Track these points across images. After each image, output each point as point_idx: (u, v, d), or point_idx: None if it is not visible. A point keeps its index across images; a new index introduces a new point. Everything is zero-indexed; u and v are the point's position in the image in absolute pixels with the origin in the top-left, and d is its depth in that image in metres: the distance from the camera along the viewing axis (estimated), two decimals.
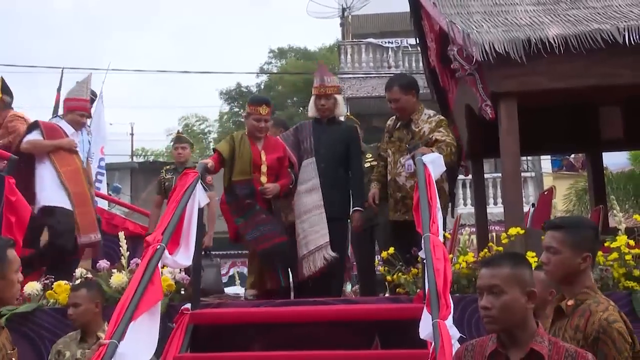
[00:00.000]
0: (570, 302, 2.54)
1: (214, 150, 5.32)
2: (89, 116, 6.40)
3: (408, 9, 6.72)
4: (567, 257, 2.56)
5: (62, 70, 12.09)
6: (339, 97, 5.51)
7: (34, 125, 5.77)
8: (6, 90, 6.61)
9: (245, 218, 4.99)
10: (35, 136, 5.65)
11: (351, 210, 5.37)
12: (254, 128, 5.14)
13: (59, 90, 11.70)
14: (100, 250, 5.88)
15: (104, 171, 11.23)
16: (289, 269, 5.14)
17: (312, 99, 5.50)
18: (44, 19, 54.67)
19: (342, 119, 5.93)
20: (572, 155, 17.46)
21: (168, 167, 6.90)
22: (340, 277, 5.52)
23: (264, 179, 5.07)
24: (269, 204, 5.11)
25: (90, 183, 6.08)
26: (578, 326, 2.47)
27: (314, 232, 5.11)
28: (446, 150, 4.86)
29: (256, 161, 5.08)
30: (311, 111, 5.54)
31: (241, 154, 5.09)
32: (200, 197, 4.27)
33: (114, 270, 4.71)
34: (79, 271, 4.89)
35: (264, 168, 5.09)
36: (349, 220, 5.46)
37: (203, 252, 5.36)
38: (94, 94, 6.59)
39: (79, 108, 6.06)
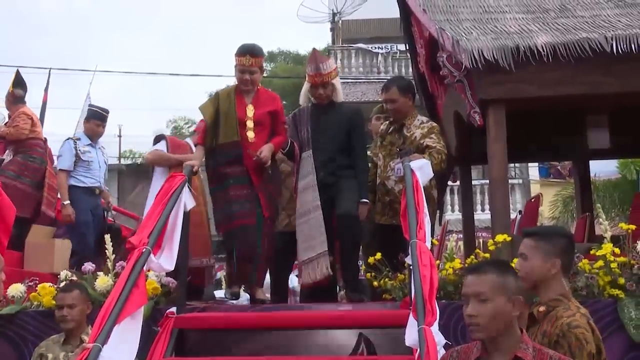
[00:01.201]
0: (541, 309, 2.59)
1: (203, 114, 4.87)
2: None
3: (398, 15, 6.75)
4: (537, 263, 2.63)
5: (50, 71, 12.04)
6: (337, 82, 5.06)
7: (160, 137, 5.77)
8: (19, 84, 6.68)
9: (218, 189, 4.68)
10: (160, 147, 5.59)
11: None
12: (238, 80, 4.78)
13: (46, 90, 11.66)
14: (210, 277, 5.66)
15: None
16: (253, 258, 4.64)
17: (306, 86, 5.09)
18: (31, 18, 54.43)
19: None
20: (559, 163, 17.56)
21: None
22: (353, 278, 4.96)
23: (250, 135, 4.66)
24: (261, 171, 4.67)
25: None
26: (545, 331, 2.51)
27: (312, 238, 4.79)
28: (437, 157, 4.87)
29: (241, 117, 4.67)
30: (302, 99, 5.16)
31: (226, 113, 4.69)
32: (186, 201, 4.25)
33: (99, 273, 4.68)
34: (63, 273, 4.86)
35: (249, 123, 4.67)
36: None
37: None
38: (105, 110, 6.48)
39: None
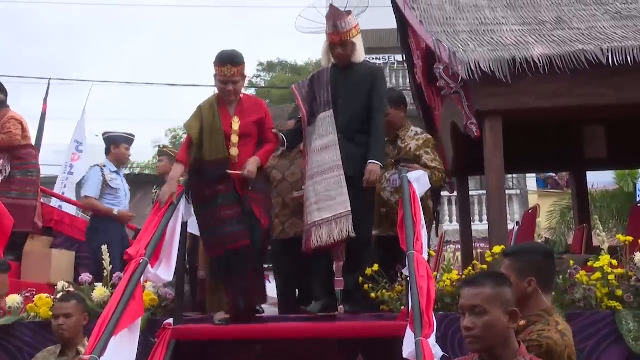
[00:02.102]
0: (522, 322, 2.59)
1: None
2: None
3: (396, 27, 6.78)
4: (513, 282, 2.58)
5: (49, 81, 12.06)
6: (357, 40, 4.64)
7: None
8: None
9: (205, 207, 4.31)
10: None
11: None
12: (221, 92, 4.42)
13: (45, 100, 11.69)
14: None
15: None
16: (252, 286, 4.29)
17: (325, 45, 4.74)
18: (26, 28, 54.48)
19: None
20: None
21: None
22: (359, 261, 4.55)
23: (234, 152, 4.29)
24: (246, 184, 4.31)
25: None
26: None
27: (329, 198, 4.33)
28: (437, 176, 4.91)
29: (226, 131, 4.32)
30: (324, 60, 4.79)
31: (210, 127, 4.33)
32: (184, 212, 4.25)
33: (97, 284, 4.67)
34: (60, 284, 4.85)
35: (234, 138, 4.30)
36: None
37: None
38: (132, 135, 6.52)
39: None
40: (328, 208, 4.30)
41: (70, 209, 8.90)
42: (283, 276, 5.33)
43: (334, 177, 4.35)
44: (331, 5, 4.64)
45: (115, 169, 6.29)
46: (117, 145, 6.39)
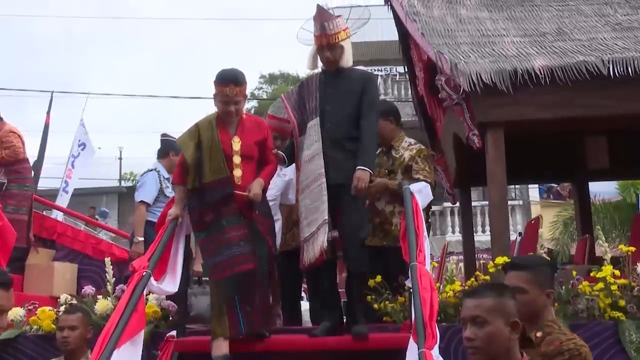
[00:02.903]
0: (539, 334, 2.61)
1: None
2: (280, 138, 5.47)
3: (397, 38, 6.81)
4: (534, 296, 2.63)
5: (52, 94, 12.12)
6: (346, 44, 4.43)
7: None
8: None
9: (208, 233, 4.10)
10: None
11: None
12: (221, 112, 4.22)
13: (48, 113, 11.74)
14: None
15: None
16: (260, 308, 4.07)
17: (311, 49, 4.54)
18: (26, 41, 54.75)
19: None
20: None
21: None
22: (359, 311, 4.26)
23: (237, 173, 4.11)
24: (252, 207, 4.15)
25: None
26: (545, 352, 2.54)
27: (315, 210, 4.16)
28: None
29: (227, 152, 4.14)
30: (309, 63, 4.61)
31: (209, 147, 4.14)
32: (187, 224, 4.26)
33: (99, 297, 4.68)
34: (63, 297, 4.86)
35: (236, 159, 4.12)
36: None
37: (196, 279, 5.31)
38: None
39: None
40: (314, 221, 4.15)
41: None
42: (287, 288, 5.32)
43: (316, 187, 4.19)
44: (318, 6, 4.50)
45: (167, 175, 5.83)
46: (166, 153, 6.02)
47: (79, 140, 11.92)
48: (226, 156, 4.11)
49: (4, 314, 2.51)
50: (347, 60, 4.45)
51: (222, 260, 3.99)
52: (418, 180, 4.82)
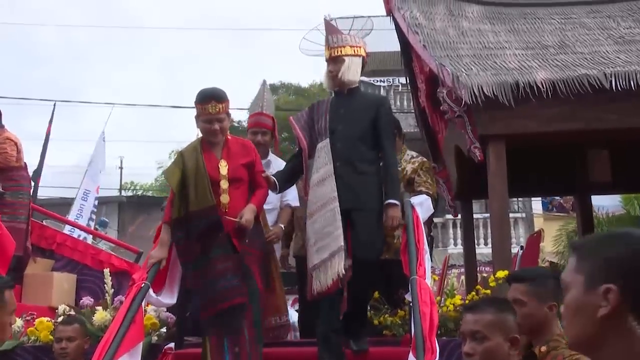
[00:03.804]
0: (543, 348, 2.58)
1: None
2: (271, 135, 5.18)
3: (400, 49, 6.84)
4: (533, 308, 2.57)
5: (55, 104, 12.16)
6: (351, 59, 4.32)
7: None
8: None
9: (195, 267, 3.89)
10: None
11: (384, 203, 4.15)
12: (205, 132, 4.06)
13: (50, 122, 11.76)
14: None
15: (95, 210, 11.25)
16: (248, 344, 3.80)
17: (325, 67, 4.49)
18: (27, 50, 54.98)
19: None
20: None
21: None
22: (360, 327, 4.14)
23: (225, 199, 3.91)
24: (243, 236, 3.95)
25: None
26: None
27: (326, 235, 3.98)
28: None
29: (213, 176, 3.94)
30: (325, 82, 4.57)
31: (194, 173, 3.95)
32: None
33: (98, 308, 4.68)
34: (61, 307, 4.86)
35: (223, 184, 3.93)
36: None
37: None
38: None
39: (252, 125, 5.18)
40: (325, 247, 3.96)
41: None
42: (305, 296, 5.14)
43: (329, 212, 4.02)
44: (324, 20, 4.50)
45: None
46: None
47: (102, 156, 11.68)
48: (213, 181, 3.92)
49: (13, 313, 2.59)
50: (352, 76, 4.33)
51: (207, 297, 3.80)
52: (420, 192, 4.83)
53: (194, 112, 4.15)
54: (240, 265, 3.87)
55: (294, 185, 4.93)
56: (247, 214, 3.90)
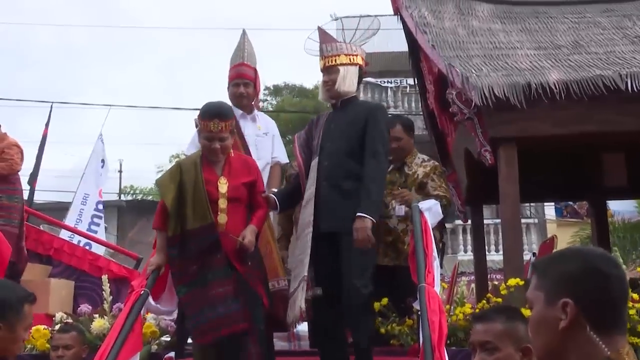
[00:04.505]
0: None
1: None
2: (253, 87, 4.98)
3: (407, 49, 6.84)
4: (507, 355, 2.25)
5: (52, 105, 12.19)
6: (346, 69, 4.20)
7: None
8: None
9: (189, 288, 3.74)
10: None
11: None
12: (205, 149, 3.96)
13: (47, 124, 11.79)
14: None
15: (102, 214, 11.21)
16: None
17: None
18: (26, 51, 55.21)
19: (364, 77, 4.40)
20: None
21: None
22: (363, 329, 3.93)
23: (222, 219, 3.80)
24: (244, 258, 3.83)
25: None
26: None
27: (299, 263, 3.96)
28: (440, 202, 4.75)
29: (212, 195, 3.84)
30: (320, 94, 4.46)
31: (192, 189, 3.85)
32: None
33: (96, 315, 4.69)
34: (59, 315, 4.87)
35: (222, 203, 3.83)
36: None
37: None
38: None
39: (233, 76, 4.96)
40: (297, 276, 3.91)
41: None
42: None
43: (304, 237, 3.94)
44: (318, 28, 4.43)
45: None
46: None
47: (101, 158, 11.62)
48: (211, 200, 3.82)
49: (29, 328, 2.58)
50: (348, 86, 4.20)
51: (205, 321, 3.66)
52: (438, 196, 4.82)
53: (194, 114, 4.13)
54: (241, 289, 3.73)
55: (280, 140, 4.89)
56: (249, 235, 3.80)
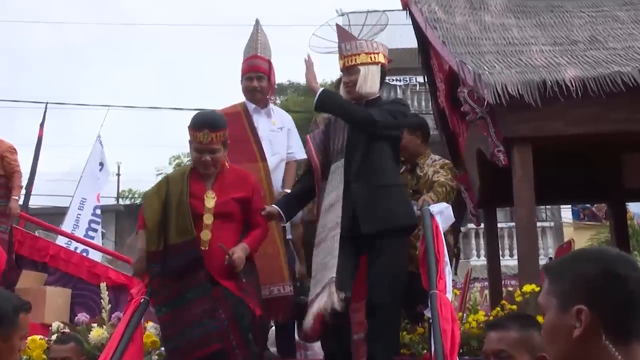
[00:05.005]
0: None
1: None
2: (267, 81, 4.95)
3: (417, 45, 6.84)
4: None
5: (46, 105, 12.24)
6: (367, 68, 4.19)
7: None
8: None
9: (169, 308, 3.68)
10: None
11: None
12: (195, 162, 3.90)
13: (42, 125, 11.83)
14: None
15: (100, 220, 11.24)
16: None
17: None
18: (19, 50, 55.35)
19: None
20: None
21: None
22: (387, 342, 3.94)
23: (206, 235, 3.71)
24: (232, 276, 3.74)
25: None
26: None
27: (323, 267, 3.86)
28: (441, 192, 4.71)
29: (197, 209, 3.76)
30: (342, 94, 4.36)
31: (177, 202, 3.78)
32: None
33: (94, 325, 4.70)
34: (55, 324, 4.88)
35: (207, 218, 3.74)
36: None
37: None
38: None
39: (246, 70, 4.95)
40: (320, 280, 3.82)
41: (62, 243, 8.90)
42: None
43: (329, 240, 3.86)
44: (336, 25, 4.40)
45: None
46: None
47: (99, 161, 11.63)
48: (195, 214, 3.74)
49: (25, 338, 2.60)
50: (370, 87, 4.19)
51: (181, 344, 3.59)
52: (438, 181, 4.80)
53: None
54: (224, 304, 3.64)
55: (298, 136, 4.88)
56: (239, 251, 3.72)
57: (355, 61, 4.19)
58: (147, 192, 4.05)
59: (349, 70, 4.22)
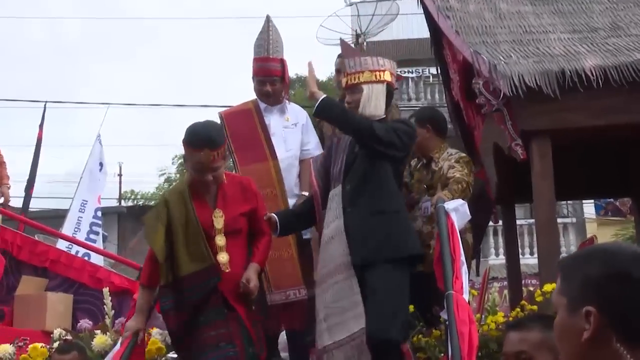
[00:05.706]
0: None
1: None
2: (281, 82, 4.87)
3: (429, 35, 6.84)
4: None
5: (45, 105, 12.27)
6: (371, 88, 3.99)
7: None
8: None
9: (184, 338, 3.67)
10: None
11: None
12: (197, 182, 3.76)
13: (41, 126, 11.87)
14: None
15: (101, 222, 11.28)
16: None
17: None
18: (16, 47, 55.66)
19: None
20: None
21: None
22: None
23: (223, 258, 3.61)
24: (244, 299, 3.70)
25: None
26: None
27: (341, 311, 3.71)
28: (456, 188, 4.63)
29: (208, 231, 3.65)
30: None
31: (185, 227, 3.64)
32: None
33: (97, 331, 4.73)
34: (57, 331, 4.91)
35: (220, 240, 3.63)
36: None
37: None
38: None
39: (257, 72, 4.89)
40: (340, 326, 3.67)
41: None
42: None
43: (342, 280, 3.73)
44: (341, 40, 4.27)
45: None
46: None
47: (99, 161, 11.66)
48: (207, 237, 3.63)
49: None
50: (374, 108, 3.98)
51: None
52: (454, 178, 4.76)
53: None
54: (239, 331, 3.60)
55: (314, 132, 4.85)
56: (254, 277, 3.66)
57: (359, 79, 4.01)
58: (148, 220, 3.83)
59: (352, 89, 4.05)
